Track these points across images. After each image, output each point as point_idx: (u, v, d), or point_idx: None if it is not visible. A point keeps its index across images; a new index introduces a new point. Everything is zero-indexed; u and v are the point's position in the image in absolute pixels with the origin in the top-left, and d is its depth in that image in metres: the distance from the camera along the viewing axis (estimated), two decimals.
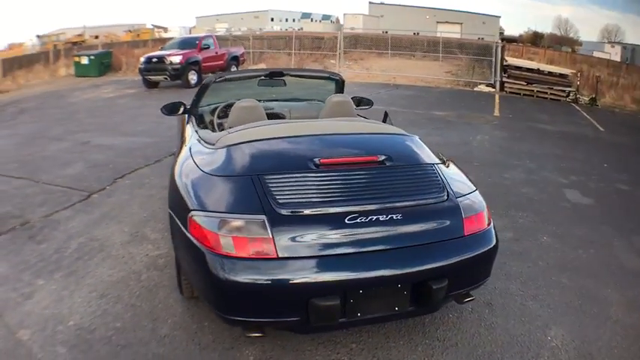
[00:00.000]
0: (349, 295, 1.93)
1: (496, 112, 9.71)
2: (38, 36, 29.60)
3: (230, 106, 3.80)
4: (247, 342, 2.26)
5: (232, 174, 2.15)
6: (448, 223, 2.10)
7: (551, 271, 3.11)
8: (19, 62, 18.07)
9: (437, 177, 2.27)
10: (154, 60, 13.00)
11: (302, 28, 46.10)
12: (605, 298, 2.81)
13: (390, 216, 2.00)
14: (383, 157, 2.27)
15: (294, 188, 2.05)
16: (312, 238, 1.91)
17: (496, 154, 6.30)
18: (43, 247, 3.19)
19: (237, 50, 15.47)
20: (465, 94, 12.57)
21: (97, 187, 4.49)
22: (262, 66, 16.84)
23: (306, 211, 1.96)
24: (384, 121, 3.62)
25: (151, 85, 12.86)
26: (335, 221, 1.95)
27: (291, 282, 1.85)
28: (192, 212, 2.02)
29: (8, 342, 2.22)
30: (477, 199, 2.30)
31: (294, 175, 2.11)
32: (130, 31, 35.58)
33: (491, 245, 2.21)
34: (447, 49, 18.13)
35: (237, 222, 1.91)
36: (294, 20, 63.53)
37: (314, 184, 2.09)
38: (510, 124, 8.60)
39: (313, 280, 1.86)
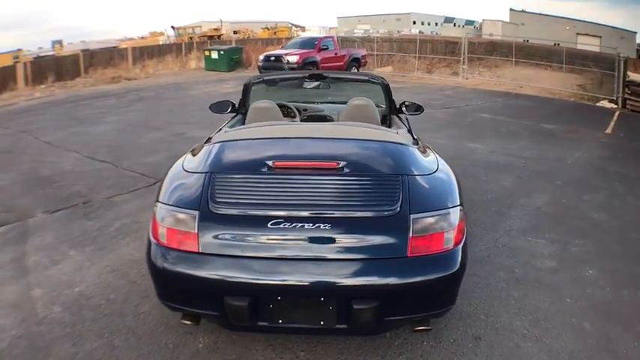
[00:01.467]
0: (267, 299, 2.01)
1: (608, 130, 8.61)
2: (173, 27, 30.71)
3: (279, 106, 4.09)
4: (206, 331, 2.47)
5: (195, 170, 2.35)
6: (389, 240, 2.02)
7: (575, 312, 2.73)
8: (151, 52, 19.70)
9: (395, 190, 2.16)
10: (272, 58, 14.03)
11: (439, 33, 45.40)
12: (626, 352, 2.38)
13: (317, 225, 2.00)
14: (343, 164, 2.25)
15: (237, 188, 2.19)
16: (234, 238, 2.03)
17: (586, 173, 5.61)
18: (90, 224, 3.83)
19: (359, 52, 15.82)
20: (584, 108, 11.35)
21: None
22: (389, 69, 16.98)
23: (236, 212, 2.08)
24: (409, 129, 3.54)
25: None
26: (258, 224, 2.03)
27: (206, 277, 1.99)
28: (156, 203, 2.30)
29: (22, 296, 2.79)
30: (446, 218, 2.13)
31: (243, 176, 2.25)
32: (267, 28, 37.85)
33: (449, 272, 2.05)
34: (582, 62, 16.27)
35: (176, 215, 2.11)
36: (436, 24, 62.82)
37: (258, 186, 2.20)
38: (618, 143, 7.55)
39: (226, 279, 1.98)
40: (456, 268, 2.08)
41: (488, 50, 18.70)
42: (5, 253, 3.33)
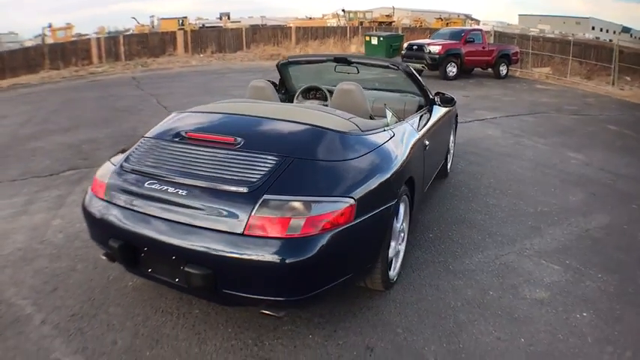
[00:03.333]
0: (137, 248, 2.08)
1: None
2: (343, 10, 29.60)
3: (310, 89, 4.02)
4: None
5: (143, 135, 2.52)
6: (232, 215, 1.88)
7: (519, 356, 2.09)
8: (315, 33, 19.46)
9: (265, 169, 1.99)
10: (415, 47, 13.35)
11: (611, 40, 38.08)
12: None
13: (177, 190, 1.99)
14: (240, 141, 2.16)
15: (147, 151, 2.29)
16: (123, 191, 2.14)
17: None
18: None
19: (510, 48, 14.07)
20: None
21: None
22: (547, 70, 14.91)
23: (131, 169, 2.20)
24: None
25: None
26: (140, 182, 2.11)
27: (101, 220, 2.15)
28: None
29: (44, 222, 3.35)
30: (308, 205, 1.87)
31: (158, 141, 2.35)
32: (440, 18, 35.98)
33: (285, 259, 1.80)
34: None
35: (105, 168, 2.33)
36: (614, 32, 54.14)
37: (162, 152, 2.26)
38: None
39: (109, 223, 2.11)
40: (297, 259, 1.80)
41: None
42: (58, 190, 3.99)
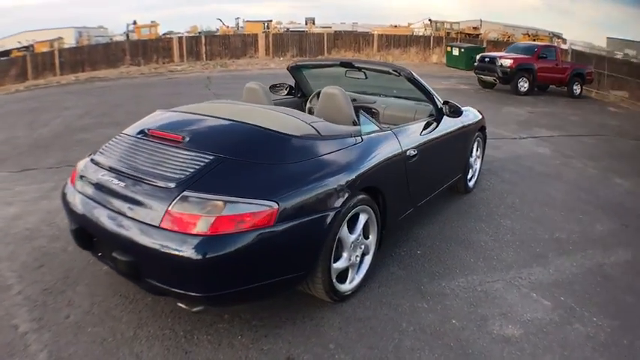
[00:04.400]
0: (89, 233, 2.15)
1: None
2: (430, 20, 28.66)
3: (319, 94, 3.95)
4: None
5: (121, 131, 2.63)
6: (154, 208, 1.89)
7: None
8: (398, 41, 18.86)
9: (193, 167, 1.98)
10: (487, 60, 12.70)
11: None
12: None
13: (118, 182, 2.05)
14: (187, 139, 2.17)
15: (116, 146, 2.37)
16: (85, 180, 2.25)
17: None
18: None
19: (584, 68, 12.83)
20: None
21: None
22: (622, 93, 13.40)
23: (95, 160, 2.30)
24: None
25: (486, 85, 12.63)
26: (95, 173, 2.21)
27: (67, 205, 2.27)
28: None
29: (57, 208, 3.39)
30: (226, 205, 1.82)
31: (126, 136, 2.42)
32: (527, 34, 33.87)
33: (187, 254, 1.75)
34: None
35: (82, 161, 2.45)
36: None
37: (123, 146, 2.33)
38: None
39: (70, 208, 2.23)
40: (203, 256, 1.75)
41: None
42: None
